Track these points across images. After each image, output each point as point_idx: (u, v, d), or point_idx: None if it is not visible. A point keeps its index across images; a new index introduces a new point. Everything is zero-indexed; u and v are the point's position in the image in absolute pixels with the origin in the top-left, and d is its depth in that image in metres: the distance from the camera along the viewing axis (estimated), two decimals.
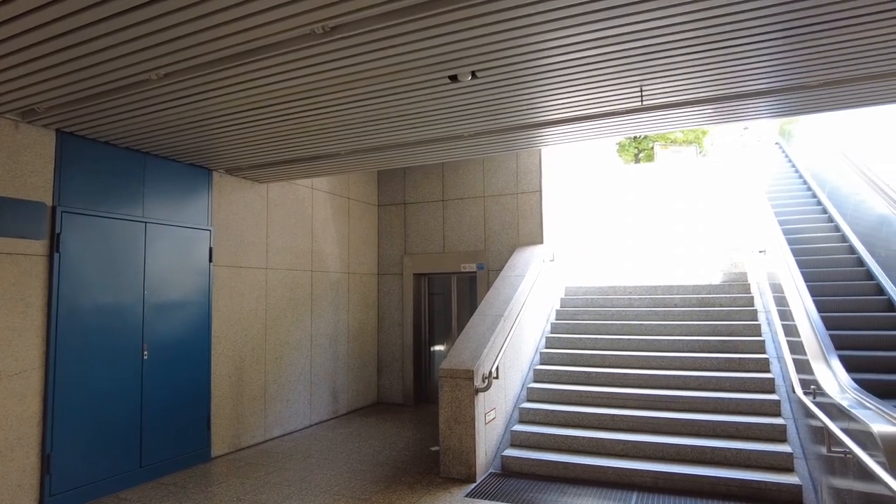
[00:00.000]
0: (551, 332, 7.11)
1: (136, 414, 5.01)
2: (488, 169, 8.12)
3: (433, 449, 5.92)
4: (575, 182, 9.48)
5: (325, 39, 2.99)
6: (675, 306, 6.99)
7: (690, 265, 8.10)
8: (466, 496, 4.58)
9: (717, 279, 7.57)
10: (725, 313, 6.60)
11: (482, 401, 5.13)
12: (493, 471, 5.20)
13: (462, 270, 8.18)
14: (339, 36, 2.97)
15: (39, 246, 4.35)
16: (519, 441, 5.49)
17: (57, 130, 4.49)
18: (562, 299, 7.72)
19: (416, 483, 4.91)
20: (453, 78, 3.55)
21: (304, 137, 4.84)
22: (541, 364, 6.55)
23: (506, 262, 7.49)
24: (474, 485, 4.83)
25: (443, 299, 8.79)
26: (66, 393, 4.46)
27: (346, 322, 8.02)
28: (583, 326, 6.99)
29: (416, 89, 3.78)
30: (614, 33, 3.05)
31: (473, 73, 3.50)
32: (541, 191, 7.76)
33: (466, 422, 5.00)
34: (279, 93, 3.77)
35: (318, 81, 3.60)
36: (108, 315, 4.81)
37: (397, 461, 5.57)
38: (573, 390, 5.88)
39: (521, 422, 5.79)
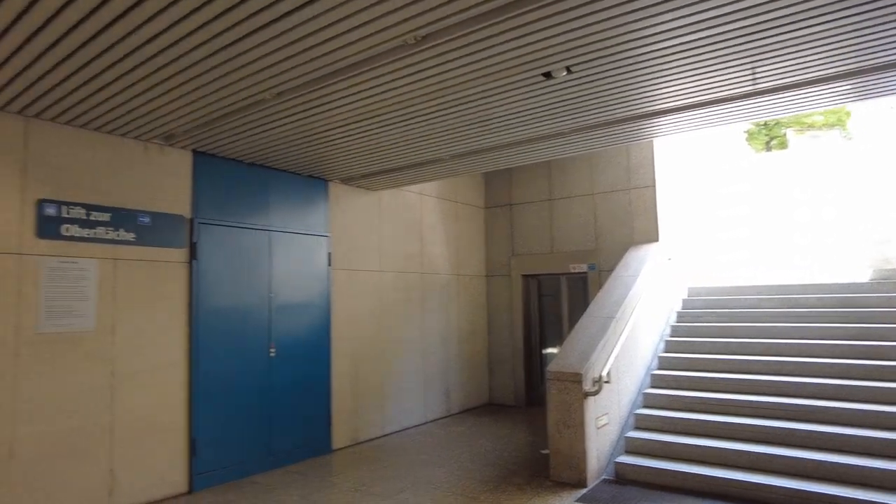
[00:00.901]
0: (671, 336, 6.71)
1: (266, 406, 5.47)
2: (596, 165, 7.86)
3: (544, 452, 5.83)
4: (696, 174, 8.89)
5: (416, 49, 3.09)
6: (813, 307, 6.30)
7: (829, 261, 7.26)
8: (577, 501, 4.47)
9: (863, 276, 6.71)
10: (875, 315, 5.83)
11: (592, 405, 4.97)
12: (605, 477, 5.02)
13: (572, 271, 7.99)
14: (430, 44, 3.05)
15: (180, 254, 4.91)
16: (634, 448, 5.26)
17: (193, 151, 5.05)
18: (683, 300, 7.26)
19: (525, 485, 4.88)
20: (547, 75, 3.50)
21: (405, 145, 5.02)
22: (659, 369, 6.22)
23: (618, 261, 7.20)
24: (585, 490, 4.70)
25: (553, 301, 8.64)
26: (206, 384, 4.99)
27: (455, 323, 8.16)
28: (705, 329, 6.52)
29: (510, 90, 3.78)
30: (721, 13, 2.84)
31: (568, 69, 3.42)
32: (655, 185, 7.37)
33: (576, 426, 4.88)
34: (378, 104, 3.95)
35: (412, 91, 3.73)
36: (239, 315, 5.31)
37: (507, 462, 5.57)
38: (694, 397, 5.51)
39: (637, 428, 5.53)
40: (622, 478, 4.97)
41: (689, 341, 6.37)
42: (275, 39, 2.95)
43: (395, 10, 2.68)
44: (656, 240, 7.25)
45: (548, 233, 8.28)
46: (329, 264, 6.25)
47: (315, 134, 4.61)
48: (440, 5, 2.67)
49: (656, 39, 3.11)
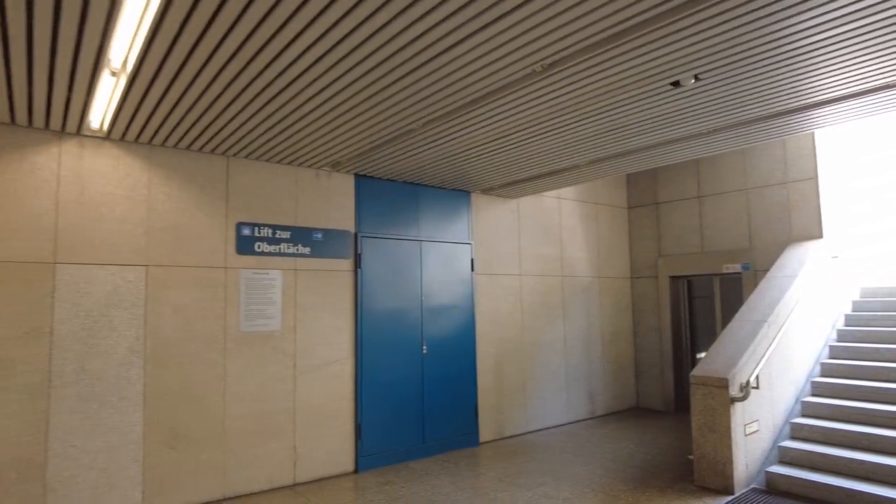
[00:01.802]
0: (837, 341, 6.17)
1: (419, 399, 6.07)
2: (749, 158, 7.43)
3: (690, 457, 5.73)
4: (868, 161, 7.96)
5: (544, 76, 3.37)
6: None
7: None
8: None
9: None
10: None
11: (739, 411, 4.83)
12: (755, 486, 4.84)
13: (724, 271, 7.63)
14: (557, 70, 3.31)
15: (347, 263, 5.68)
16: (789, 458, 4.99)
17: (354, 174, 5.80)
18: (853, 302, 6.61)
19: (667, 488, 4.89)
20: (675, 84, 3.57)
21: (540, 156, 5.28)
22: (821, 376, 5.78)
23: (776, 261, 6.76)
24: (731, 497, 4.60)
25: (705, 303, 8.29)
26: (369, 377, 5.69)
27: (598, 325, 8.20)
28: (877, 335, 5.90)
29: (641, 98, 3.89)
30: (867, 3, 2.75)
31: (696, 77, 3.47)
32: (816, 177, 6.79)
33: (721, 431, 4.78)
34: (513, 123, 4.28)
35: (543, 108, 4.00)
36: (395, 317, 5.96)
37: (650, 465, 5.57)
38: (861, 408, 5.07)
39: (793, 438, 5.23)
40: (773, 488, 4.76)
41: (857, 347, 5.83)
42: (425, 78, 3.41)
43: (525, 44, 3.00)
44: (819, 236, 6.68)
45: (697, 232, 7.98)
46: (472, 269, 6.71)
47: (457, 154, 5.07)
48: (560, 38, 2.93)
49: (795, 38, 3.06)
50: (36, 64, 3.14)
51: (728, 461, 4.72)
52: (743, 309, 5.80)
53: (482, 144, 4.80)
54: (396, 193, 6.14)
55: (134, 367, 4.48)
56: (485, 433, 6.64)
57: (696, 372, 5.02)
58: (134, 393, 4.47)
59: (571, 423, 7.59)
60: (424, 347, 6.16)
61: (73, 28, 2.75)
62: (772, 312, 5.46)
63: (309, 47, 2.99)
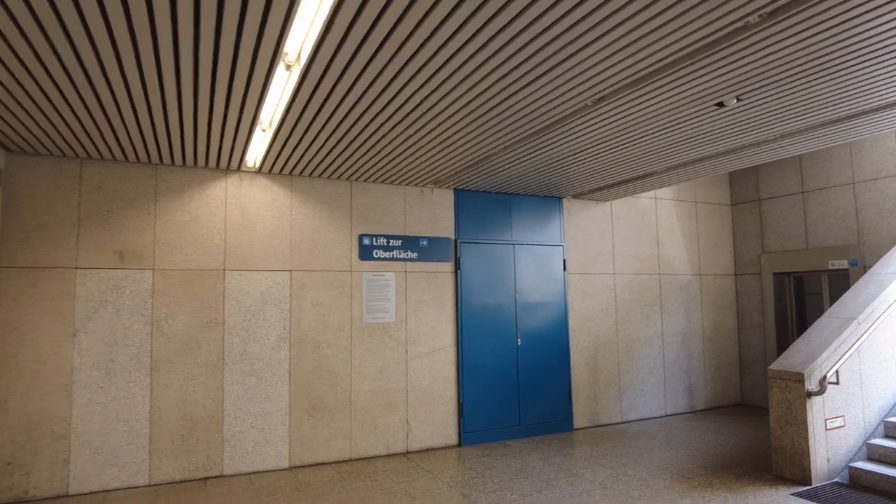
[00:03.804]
0: None
1: (514, 385, 6.80)
2: (857, 151, 7.22)
3: None
4: None
5: (594, 108, 3.97)
6: None
7: None
8: (793, 495, 4.67)
9: None
10: None
11: (818, 405, 5.00)
12: (838, 480, 4.99)
13: (831, 268, 7.47)
14: (607, 102, 3.90)
15: (448, 266, 6.56)
16: (878, 455, 5.05)
17: (453, 189, 6.67)
18: None
19: (744, 475, 5.19)
20: (719, 104, 3.98)
21: (623, 165, 5.76)
22: None
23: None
24: (807, 488, 4.81)
25: (812, 300, 8.12)
26: (469, 363, 6.54)
27: (699, 322, 8.35)
28: None
29: (691, 117, 4.32)
30: None
31: (737, 98, 3.87)
32: None
33: (798, 424, 4.99)
34: (597, 137, 4.82)
35: (619, 125, 4.55)
36: (491, 312, 6.75)
37: (735, 455, 5.84)
38: None
39: (887, 437, 5.24)
40: (857, 483, 4.88)
41: None
42: (518, 103, 4.17)
43: (580, 82, 3.65)
44: None
45: (801, 228, 7.86)
46: (564, 269, 7.29)
47: (547, 165, 5.72)
48: (616, 73, 3.54)
49: (842, 52, 3.40)
50: (213, 126, 4.34)
51: (805, 453, 4.93)
52: (835, 305, 5.83)
53: (572, 155, 5.39)
54: (491, 203, 6.91)
55: (282, 350, 5.71)
56: (579, 420, 7.21)
57: (773, 366, 5.25)
58: (282, 371, 5.69)
59: (669, 415, 7.88)
60: (519, 339, 6.87)
61: (238, 103, 3.86)
62: (864, 310, 5.48)
63: (417, 90, 3.87)
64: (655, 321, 7.98)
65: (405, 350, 6.26)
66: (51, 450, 4.84)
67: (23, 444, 4.77)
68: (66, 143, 4.67)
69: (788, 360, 5.23)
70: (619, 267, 7.79)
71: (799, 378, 5.00)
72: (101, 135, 4.46)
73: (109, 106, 3.85)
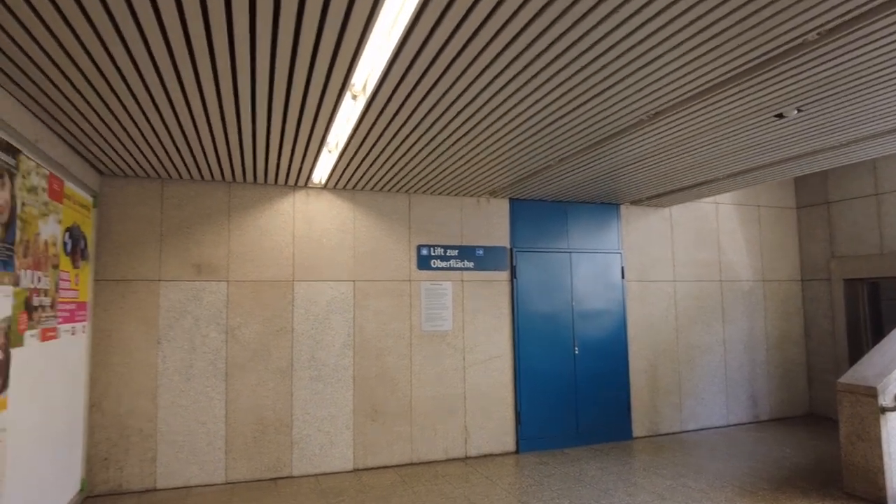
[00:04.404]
0: None
1: (572, 393, 6.83)
2: None
3: None
4: None
5: (651, 122, 4.00)
6: None
7: None
8: None
9: None
10: None
11: (894, 421, 4.82)
12: None
13: None
14: (664, 116, 3.92)
15: (504, 275, 6.67)
16: None
17: (509, 199, 6.78)
18: None
19: (811, 491, 5.05)
20: (779, 116, 3.93)
21: (676, 174, 5.72)
22: None
23: None
24: None
25: (889, 307, 7.74)
26: (525, 371, 6.62)
27: (762, 329, 8.11)
28: None
29: (750, 128, 4.27)
30: None
31: (798, 109, 3.81)
32: None
33: (871, 440, 4.82)
34: (656, 146, 4.85)
35: (655, 145, 4.56)
36: (548, 320, 6.81)
37: (802, 469, 5.68)
38: None
39: None
40: None
41: None
42: (579, 116, 4.26)
43: (637, 99, 3.71)
44: None
45: (875, 231, 7.52)
46: (622, 277, 7.26)
47: (603, 175, 5.75)
48: (672, 90, 3.58)
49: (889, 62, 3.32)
50: (284, 148, 4.63)
51: (879, 471, 4.76)
52: None
53: (630, 164, 5.40)
54: (546, 211, 6.97)
55: (346, 356, 5.97)
56: (638, 429, 7.16)
57: (843, 379, 5.09)
58: (346, 376, 5.96)
59: (731, 425, 7.70)
60: (576, 348, 6.90)
61: (308, 128, 4.12)
62: None
63: (475, 112, 4.02)
64: (717, 328, 7.82)
65: (462, 357, 6.42)
66: (140, 447, 5.27)
67: (116, 441, 5.22)
68: (151, 165, 5.08)
69: (860, 373, 5.06)
70: (679, 273, 7.67)
71: (872, 392, 4.83)
72: (182, 157, 4.84)
73: (190, 132, 4.18)
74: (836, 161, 5.42)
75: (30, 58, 2.94)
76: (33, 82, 3.25)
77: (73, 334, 4.71)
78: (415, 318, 6.26)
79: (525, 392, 6.61)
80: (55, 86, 3.29)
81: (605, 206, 7.31)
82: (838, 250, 7.99)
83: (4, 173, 3.42)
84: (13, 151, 3.54)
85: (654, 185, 6.29)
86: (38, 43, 2.78)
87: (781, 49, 2.97)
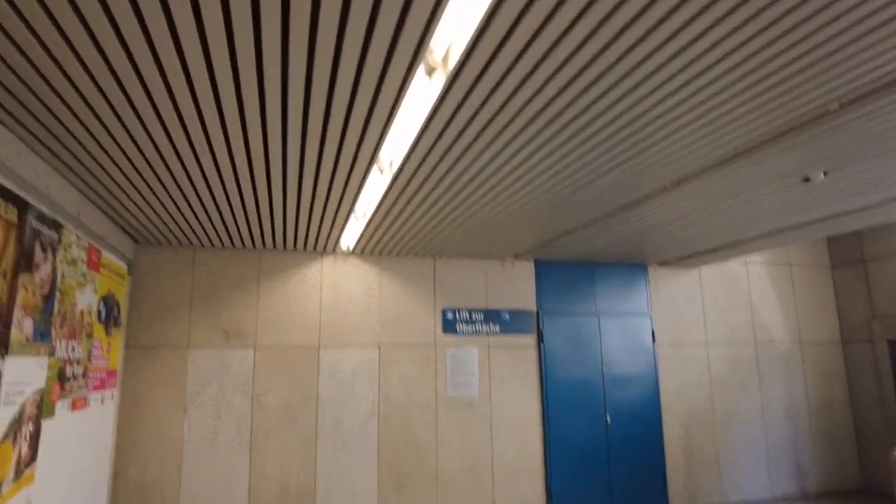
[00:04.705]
0: None
1: (605, 462, 6.56)
2: None
3: None
4: None
5: (676, 188, 4.01)
6: None
7: None
8: None
9: None
10: None
11: None
12: None
13: None
14: (688, 183, 3.94)
15: (531, 339, 6.58)
16: None
17: (534, 261, 6.77)
18: None
19: None
20: (806, 179, 3.90)
21: (703, 236, 5.67)
22: None
23: None
24: None
25: None
26: (556, 440, 6.41)
27: (803, 394, 7.76)
28: None
29: (776, 191, 4.24)
30: None
31: (825, 173, 3.78)
32: None
33: None
34: (679, 211, 4.83)
35: (680, 209, 4.55)
36: (578, 386, 6.64)
37: None
38: None
39: None
40: None
41: None
42: (589, 192, 4.30)
43: (659, 168, 3.74)
44: None
45: None
46: (653, 340, 7.09)
47: (628, 238, 5.73)
48: (694, 160, 3.60)
49: None
50: (313, 218, 4.75)
51: None
52: None
53: (652, 229, 5.39)
54: (573, 273, 6.93)
55: (371, 424, 5.88)
56: (675, 500, 6.79)
57: None
58: (371, 445, 5.84)
59: (778, 499, 7.25)
60: (608, 415, 6.68)
61: (336, 199, 4.23)
62: None
63: (498, 183, 4.09)
64: (754, 393, 7.50)
65: (490, 426, 6.26)
66: None
67: None
68: (184, 233, 5.24)
69: None
70: (712, 336, 7.47)
71: None
72: (214, 226, 4.99)
73: (223, 204, 4.33)
74: (868, 221, 5.31)
75: (75, 137, 3.12)
76: (77, 160, 3.43)
77: (102, 403, 4.75)
78: (440, 384, 6.17)
79: (555, 463, 6.37)
80: (97, 161, 3.47)
81: (632, 267, 7.25)
82: (879, 309, 7.70)
83: (48, 247, 3.57)
84: (57, 226, 3.70)
85: (681, 247, 6.23)
86: (81, 122, 2.95)
87: (803, 119, 2.99)
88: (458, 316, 6.36)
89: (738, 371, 7.50)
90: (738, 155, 3.47)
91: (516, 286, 6.68)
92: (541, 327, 6.62)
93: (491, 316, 6.47)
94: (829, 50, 2.34)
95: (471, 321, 6.39)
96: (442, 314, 6.32)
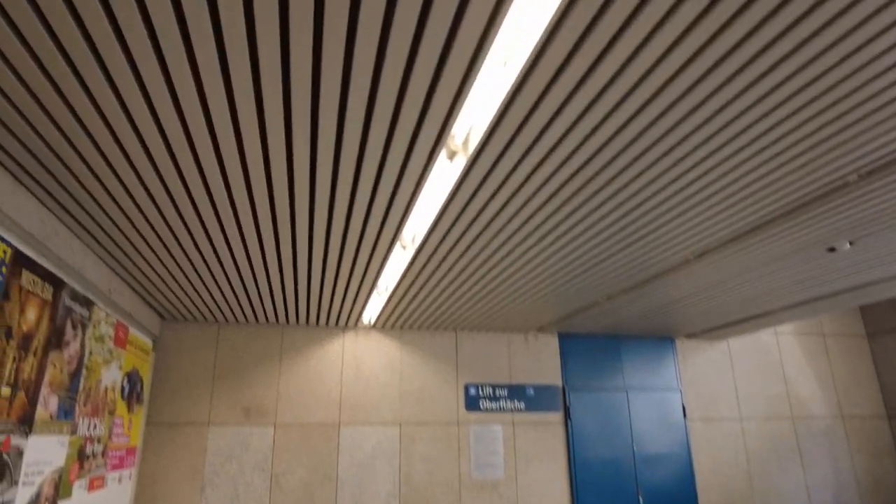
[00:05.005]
0: None
1: None
2: None
3: None
4: None
5: (697, 261, 3.99)
6: None
7: None
8: None
9: None
10: None
11: None
12: None
13: None
14: (710, 256, 3.91)
15: (557, 416, 6.38)
16: None
17: (558, 334, 6.67)
18: None
19: None
20: (831, 249, 3.86)
21: (728, 308, 5.56)
22: None
23: None
24: None
25: None
26: None
27: (850, 473, 7.29)
28: None
29: (801, 262, 4.19)
30: None
31: (850, 242, 3.74)
32: None
33: None
34: (708, 279, 4.78)
35: (702, 281, 4.50)
36: (608, 466, 6.34)
37: None
38: None
39: None
40: None
41: None
42: (611, 265, 4.29)
43: (679, 242, 3.73)
44: None
45: None
46: (684, 416, 6.82)
47: (652, 311, 5.65)
48: (714, 233, 3.60)
49: None
50: (336, 293, 4.80)
51: None
52: None
53: (675, 302, 5.32)
54: (598, 346, 6.79)
55: None
56: None
57: None
58: None
59: None
60: (641, 497, 6.33)
61: (360, 274, 4.29)
62: None
63: (518, 258, 4.11)
64: (796, 472, 7.07)
65: None
66: None
67: None
68: (209, 309, 5.31)
69: None
70: (746, 411, 7.15)
71: None
72: (239, 303, 5.06)
73: (249, 282, 4.41)
74: None
75: (109, 216, 3.26)
76: (110, 237, 3.56)
77: (119, 482, 4.68)
78: (464, 464, 5.95)
79: None
80: (128, 239, 3.59)
81: (659, 339, 7.09)
82: None
83: (78, 324, 3.65)
84: (89, 303, 3.79)
85: (707, 319, 6.10)
86: (116, 202, 3.09)
87: (823, 190, 3.00)
88: (481, 392, 6.22)
89: (777, 448, 7.11)
90: (758, 227, 3.46)
91: (541, 360, 6.56)
92: (567, 403, 6.43)
93: (515, 392, 6.32)
94: (847, 122, 2.38)
95: (494, 397, 6.24)
96: (465, 390, 6.20)
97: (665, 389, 6.85)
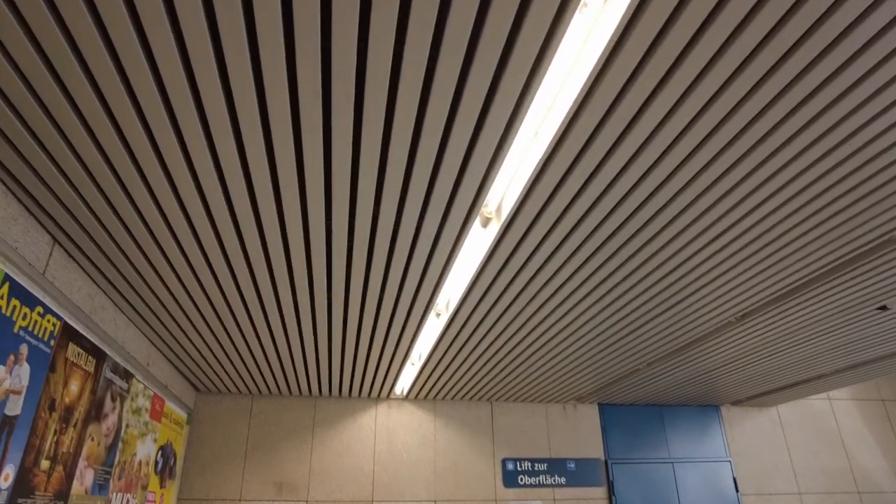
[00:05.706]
0: None
1: None
2: None
3: None
4: None
5: (739, 323, 3.87)
6: None
7: None
8: None
9: None
10: None
11: None
12: None
13: None
14: (752, 318, 3.80)
15: (601, 491, 6.05)
16: None
17: (598, 404, 6.44)
18: None
19: None
20: (882, 308, 3.70)
21: (774, 373, 5.32)
22: None
23: None
24: None
25: None
26: None
27: None
28: None
29: (849, 322, 4.02)
30: None
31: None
32: None
33: None
34: (748, 347, 4.63)
35: (746, 345, 4.34)
36: None
37: None
38: None
39: None
40: None
41: None
42: (650, 330, 4.19)
43: (720, 304, 3.64)
44: None
45: None
46: (736, 490, 6.39)
47: (694, 378, 5.44)
48: (757, 293, 3.51)
49: None
50: (370, 363, 4.78)
51: None
52: None
53: (717, 368, 5.12)
54: (641, 416, 6.52)
55: None
56: None
57: None
58: None
59: None
60: None
61: (393, 343, 4.27)
62: None
63: (554, 324, 4.06)
64: None
65: None
66: None
67: None
68: (244, 382, 5.32)
69: None
70: (804, 485, 6.67)
71: None
72: (273, 375, 5.07)
73: (285, 355, 4.44)
74: None
75: (152, 289, 3.36)
76: (152, 311, 3.65)
77: None
78: None
79: None
80: (169, 313, 3.68)
81: (704, 408, 6.77)
82: None
83: (117, 397, 3.69)
84: (128, 376, 3.85)
85: (752, 385, 5.84)
86: (159, 275, 3.19)
87: (869, 246, 2.92)
88: (519, 466, 5.97)
89: None
90: (800, 287, 3.37)
91: (581, 432, 6.31)
92: (611, 478, 6.11)
93: (555, 466, 6.05)
94: (893, 175, 2.35)
95: (534, 472, 5.98)
96: (502, 465, 5.96)
97: (713, 460, 6.48)
